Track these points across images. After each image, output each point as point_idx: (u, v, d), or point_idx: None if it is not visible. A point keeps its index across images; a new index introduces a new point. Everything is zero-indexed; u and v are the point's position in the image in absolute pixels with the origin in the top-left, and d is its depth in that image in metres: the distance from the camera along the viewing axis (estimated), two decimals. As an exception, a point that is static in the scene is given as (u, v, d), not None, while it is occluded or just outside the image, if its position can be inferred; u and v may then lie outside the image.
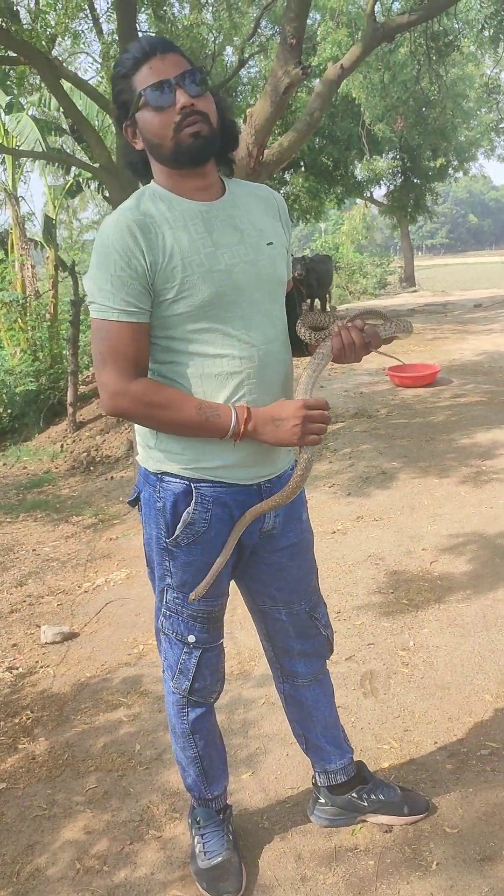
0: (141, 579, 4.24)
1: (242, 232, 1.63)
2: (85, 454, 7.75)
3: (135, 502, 1.82)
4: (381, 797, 2.07)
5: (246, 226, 1.64)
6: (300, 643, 1.97)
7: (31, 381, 10.00)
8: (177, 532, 1.70)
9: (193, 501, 1.67)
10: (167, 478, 1.69)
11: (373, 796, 2.07)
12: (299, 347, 1.79)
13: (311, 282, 11.92)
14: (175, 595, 1.78)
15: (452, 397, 7.64)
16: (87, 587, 4.32)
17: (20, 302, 12.07)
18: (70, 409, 8.70)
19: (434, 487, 4.94)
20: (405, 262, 27.29)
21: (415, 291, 23.93)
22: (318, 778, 2.12)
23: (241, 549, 1.78)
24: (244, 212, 1.66)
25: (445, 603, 3.37)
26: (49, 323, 12.02)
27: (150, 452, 1.72)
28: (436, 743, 2.42)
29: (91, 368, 11.74)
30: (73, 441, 8.31)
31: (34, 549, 5.17)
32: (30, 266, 12.96)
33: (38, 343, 11.26)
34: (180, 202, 1.60)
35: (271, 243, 1.67)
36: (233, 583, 1.92)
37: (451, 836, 2.03)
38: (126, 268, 1.52)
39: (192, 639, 1.81)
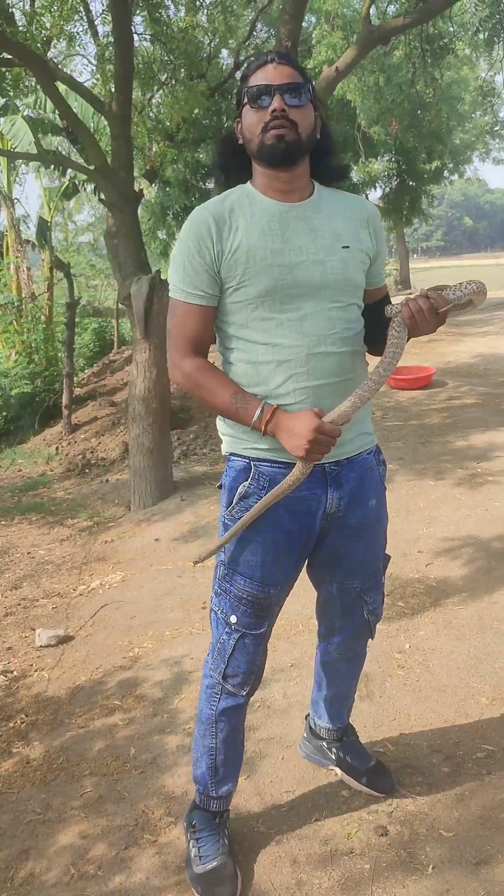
0: (136, 582, 4.23)
1: (317, 233, 1.73)
2: (80, 457, 7.73)
3: (222, 486, 1.94)
4: (348, 759, 2.27)
5: (323, 228, 1.74)
6: (342, 619, 2.06)
7: (27, 384, 9.98)
8: (233, 503, 1.81)
9: (251, 477, 1.79)
10: (233, 458, 1.84)
11: (340, 754, 2.29)
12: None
13: None
14: (225, 571, 1.87)
15: (448, 399, 7.65)
16: (82, 590, 4.31)
17: (15, 304, 12.05)
18: (65, 412, 8.68)
19: (429, 490, 4.95)
20: (401, 265, 27.31)
21: (410, 294, 23.95)
22: (309, 717, 2.38)
23: (307, 539, 1.86)
24: (325, 216, 1.76)
25: (441, 606, 3.37)
26: (44, 325, 12.00)
27: (222, 437, 1.89)
28: (431, 746, 2.42)
29: (86, 370, 11.76)
30: (69, 443, 8.29)
31: (29, 552, 5.15)
32: (25, 268, 12.93)
33: (33, 345, 11.23)
34: (263, 201, 1.74)
35: (347, 247, 1.75)
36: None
37: (447, 839, 2.03)
38: (196, 255, 1.71)
39: (233, 619, 1.86)
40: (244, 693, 1.93)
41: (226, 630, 1.88)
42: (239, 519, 1.79)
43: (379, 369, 1.68)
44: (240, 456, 1.82)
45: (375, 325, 1.82)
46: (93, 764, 2.57)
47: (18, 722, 2.92)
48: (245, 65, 1.78)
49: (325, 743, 2.33)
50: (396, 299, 1.85)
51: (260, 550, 1.81)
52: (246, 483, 1.79)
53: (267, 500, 1.74)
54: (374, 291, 1.89)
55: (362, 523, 1.91)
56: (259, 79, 1.69)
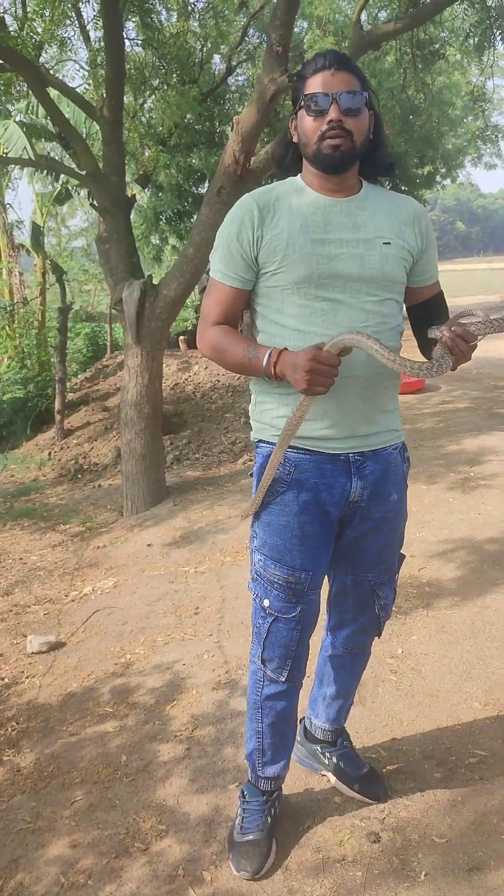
0: (128, 588, 4.22)
1: (359, 228, 1.77)
2: (72, 462, 7.70)
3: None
4: (341, 764, 2.26)
5: (365, 224, 1.78)
6: (353, 612, 2.07)
7: (19, 389, 9.96)
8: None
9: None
10: (261, 444, 1.91)
11: (333, 759, 2.28)
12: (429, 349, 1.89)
13: None
14: (259, 557, 1.91)
15: (440, 404, 7.66)
16: (74, 596, 4.29)
17: (7, 309, 12.02)
18: (58, 417, 8.65)
19: (422, 494, 4.94)
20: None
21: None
22: (305, 719, 2.36)
23: (330, 523, 1.88)
24: (369, 213, 1.80)
25: (434, 610, 3.37)
26: (37, 330, 11.98)
27: (253, 423, 1.95)
28: (424, 751, 2.41)
29: (79, 376, 11.74)
30: (61, 449, 8.26)
31: (21, 558, 5.13)
32: (17, 273, 12.91)
33: (25, 350, 11.21)
34: (310, 194, 1.79)
35: (388, 243, 1.78)
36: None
37: (440, 846, 2.02)
38: (235, 240, 1.78)
39: (266, 603, 1.91)
40: (283, 679, 1.96)
41: (261, 614, 1.93)
42: (267, 505, 1.87)
43: (408, 363, 1.66)
44: (267, 442, 1.89)
45: (423, 324, 1.86)
46: (84, 772, 2.55)
47: (9, 730, 2.90)
48: (303, 65, 1.80)
49: (318, 747, 2.33)
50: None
51: (288, 535, 1.85)
52: None
53: (281, 442, 1.78)
54: (424, 290, 1.94)
55: (383, 516, 1.94)
56: (317, 85, 1.72)
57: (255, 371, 1.77)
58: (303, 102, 1.75)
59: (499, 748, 2.39)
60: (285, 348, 1.72)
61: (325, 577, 2.04)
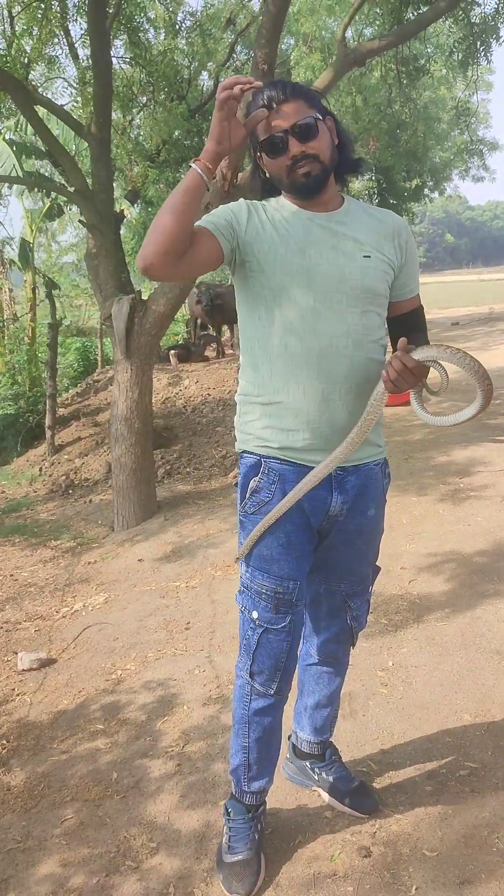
0: (119, 603, 4.21)
1: (339, 241, 1.80)
2: (64, 477, 7.69)
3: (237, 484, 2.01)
4: (331, 779, 2.25)
5: (346, 237, 1.81)
6: (326, 620, 2.10)
7: (10, 405, 9.94)
8: (245, 499, 1.89)
9: (261, 472, 1.87)
10: (246, 454, 1.92)
11: (323, 774, 2.27)
12: None
13: (213, 313, 11.64)
14: (246, 569, 1.93)
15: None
16: (65, 612, 4.27)
17: (-2, 325, 12.04)
18: (49, 433, 8.64)
19: (412, 506, 4.96)
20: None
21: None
22: (292, 735, 2.36)
23: (311, 533, 1.91)
24: (350, 227, 1.83)
25: (424, 622, 3.37)
26: (27, 346, 11.98)
27: (237, 434, 1.96)
28: (414, 764, 2.41)
29: (70, 391, 11.73)
30: (52, 464, 8.25)
31: (12, 575, 5.11)
32: (7, 290, 12.93)
33: (16, 366, 11.21)
34: (292, 208, 1.84)
35: (368, 256, 1.81)
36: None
37: (431, 860, 2.01)
38: (228, 214, 1.80)
39: (255, 615, 1.90)
40: (272, 692, 1.96)
41: (250, 626, 1.92)
42: (253, 515, 1.88)
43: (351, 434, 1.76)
44: (251, 453, 1.90)
45: (400, 337, 1.85)
46: (74, 790, 2.54)
47: (-1, 748, 2.89)
48: (247, 107, 1.79)
49: (308, 763, 2.32)
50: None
51: (274, 544, 1.87)
52: (257, 478, 1.87)
53: (332, 459, 1.77)
54: (403, 303, 1.96)
55: (359, 529, 1.96)
56: (266, 128, 1.74)
57: (194, 185, 1.66)
58: (260, 149, 1.79)
59: (489, 760, 2.40)
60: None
61: None
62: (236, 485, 2.00)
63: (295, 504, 1.83)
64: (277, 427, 1.84)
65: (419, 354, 1.69)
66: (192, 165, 1.68)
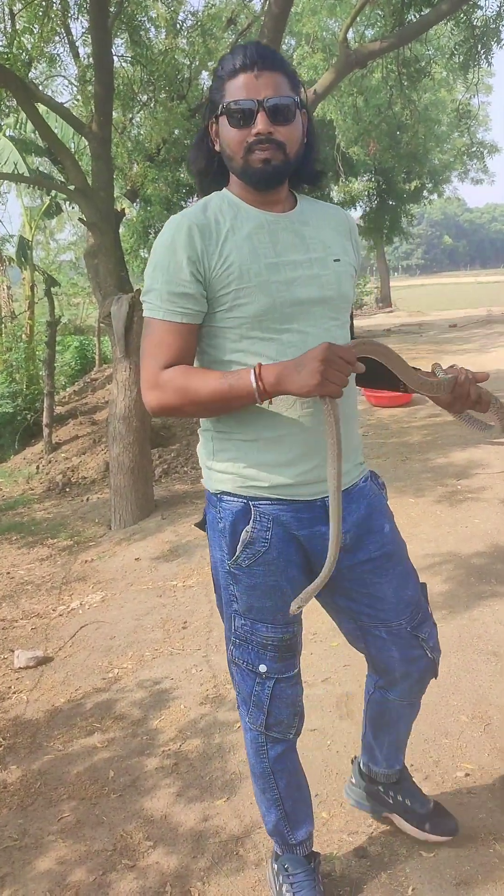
0: (116, 602, 4.21)
1: (308, 246, 1.61)
2: (61, 476, 7.68)
3: (202, 525, 1.79)
4: (407, 802, 2.05)
5: (313, 240, 1.62)
6: (404, 665, 1.82)
7: (8, 403, 9.93)
8: (237, 552, 1.65)
9: (252, 520, 1.63)
10: (226, 497, 1.66)
11: (398, 797, 2.06)
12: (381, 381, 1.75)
13: None
14: (243, 622, 1.71)
15: (428, 417, 7.70)
16: (61, 610, 4.27)
17: (-4, 323, 12.03)
18: (46, 431, 8.64)
19: (410, 507, 4.96)
20: (381, 283, 27.60)
21: (391, 312, 24.21)
22: (359, 760, 2.12)
23: (312, 570, 1.70)
24: (313, 227, 1.64)
25: (421, 623, 3.37)
26: (25, 344, 11.97)
27: (210, 473, 1.71)
28: (411, 765, 2.41)
29: (67, 389, 11.72)
30: (49, 462, 8.24)
31: (8, 573, 5.11)
32: (5, 287, 12.92)
33: (14, 364, 11.19)
34: (248, 210, 1.59)
35: (338, 260, 1.64)
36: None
37: (428, 861, 2.02)
38: (179, 270, 1.52)
39: (263, 668, 1.71)
40: (291, 735, 1.80)
41: (257, 681, 1.73)
42: (248, 568, 1.65)
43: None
44: (234, 495, 1.65)
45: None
46: (71, 788, 2.54)
47: (-4, 746, 2.88)
48: (220, 61, 1.55)
49: (381, 787, 2.08)
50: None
51: (277, 594, 1.66)
52: (248, 528, 1.63)
53: (335, 492, 1.50)
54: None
55: (384, 552, 1.74)
56: (238, 89, 1.49)
57: (239, 397, 1.48)
58: (223, 109, 1.52)
59: (486, 761, 2.40)
60: (259, 363, 1.49)
61: (355, 638, 1.88)
62: (200, 525, 1.79)
63: (294, 543, 1.65)
64: (266, 464, 1.61)
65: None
66: (252, 377, 1.45)
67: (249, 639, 1.71)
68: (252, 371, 1.46)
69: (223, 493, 1.67)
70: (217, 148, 1.61)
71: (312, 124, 1.65)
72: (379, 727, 1.99)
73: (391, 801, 2.07)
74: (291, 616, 1.68)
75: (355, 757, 2.15)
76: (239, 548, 1.64)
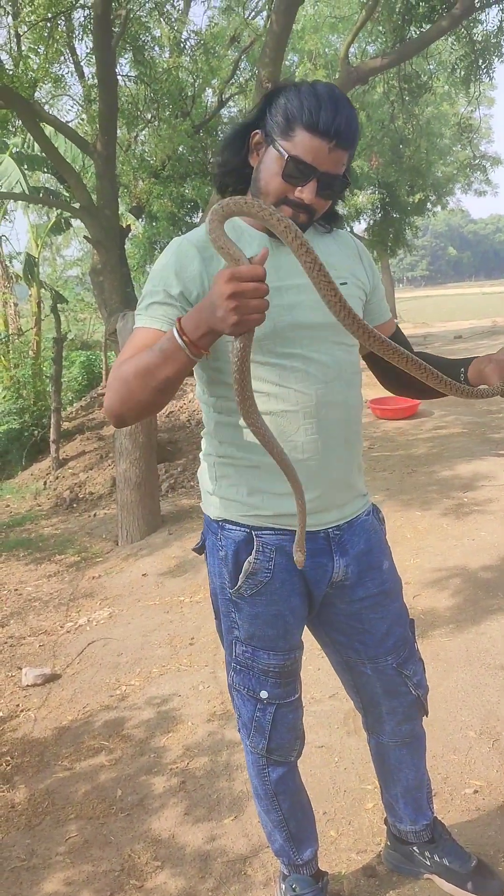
0: (123, 618, 4.21)
1: None
2: (68, 491, 7.70)
3: (200, 550, 1.78)
4: (446, 862, 1.96)
5: None
6: (388, 700, 1.82)
7: (15, 419, 9.97)
8: (239, 582, 1.63)
9: (255, 550, 1.61)
10: (228, 525, 1.64)
11: (436, 857, 1.97)
12: (409, 387, 1.74)
13: None
14: (244, 649, 1.70)
15: (433, 429, 7.70)
16: (69, 627, 4.27)
17: (2, 339, 12.09)
18: (53, 447, 8.67)
19: (416, 520, 4.96)
20: (386, 295, 27.63)
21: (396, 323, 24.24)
22: (389, 823, 2.06)
23: (311, 601, 1.70)
24: (320, 251, 1.55)
25: (429, 637, 3.36)
26: (32, 360, 12.02)
27: (211, 499, 1.69)
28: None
29: (74, 404, 11.76)
30: (57, 478, 8.26)
31: (16, 589, 5.12)
32: (13, 304, 13.00)
33: (21, 381, 11.24)
34: (252, 234, 1.57)
35: (345, 283, 1.61)
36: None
37: (436, 880, 2.00)
38: (169, 286, 1.49)
39: (264, 694, 1.70)
40: (292, 758, 1.80)
41: (258, 707, 1.72)
42: (251, 597, 1.63)
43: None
44: (237, 524, 1.63)
45: (391, 369, 1.69)
46: (78, 807, 2.53)
47: (3, 765, 2.88)
48: (304, 96, 1.44)
49: (415, 848, 2.01)
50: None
51: (280, 623, 1.66)
52: (251, 558, 1.61)
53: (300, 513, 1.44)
54: (385, 328, 1.78)
55: (382, 589, 1.74)
56: (306, 146, 1.43)
57: (173, 359, 1.35)
58: (283, 155, 1.45)
59: (495, 778, 2.39)
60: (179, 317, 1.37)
61: (342, 670, 1.87)
62: (198, 550, 1.78)
63: (297, 572, 1.63)
64: (270, 491, 1.58)
65: None
66: (175, 331, 1.33)
67: (251, 666, 1.70)
68: (174, 327, 1.34)
69: (225, 520, 1.65)
70: (252, 161, 1.56)
71: (347, 181, 1.58)
72: (386, 777, 1.97)
73: (428, 862, 1.99)
74: (293, 642, 1.69)
75: (386, 818, 2.09)
76: (241, 577, 1.62)
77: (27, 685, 3.55)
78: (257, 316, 1.23)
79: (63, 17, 6.66)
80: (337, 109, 1.43)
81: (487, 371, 1.56)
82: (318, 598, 1.70)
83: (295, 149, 1.44)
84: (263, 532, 1.61)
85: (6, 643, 4.19)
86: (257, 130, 1.53)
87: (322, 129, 1.42)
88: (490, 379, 1.55)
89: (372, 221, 19.41)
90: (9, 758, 2.92)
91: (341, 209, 1.72)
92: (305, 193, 1.46)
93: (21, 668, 3.73)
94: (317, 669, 3.06)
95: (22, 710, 3.32)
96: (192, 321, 1.31)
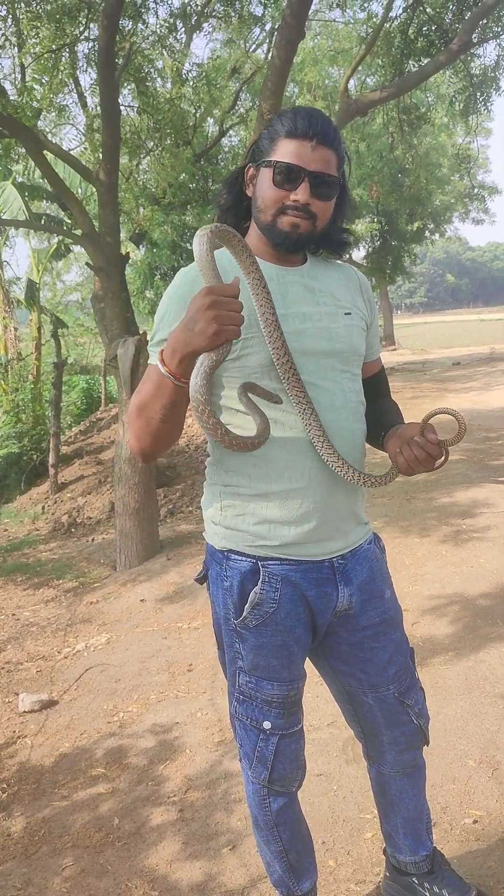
0: (121, 644, 4.19)
1: (318, 300, 1.62)
2: (66, 516, 7.70)
3: (203, 580, 1.77)
4: (445, 893, 1.91)
5: (323, 294, 1.63)
6: (389, 730, 1.81)
7: (14, 444, 10.00)
8: (244, 613, 1.62)
9: (261, 580, 1.61)
10: (233, 556, 1.64)
11: (435, 888, 1.93)
12: (376, 437, 1.75)
13: None
14: (248, 679, 1.68)
15: (432, 455, 7.70)
16: (66, 653, 4.26)
17: (2, 364, 12.15)
18: (52, 471, 8.68)
19: (415, 547, 4.96)
20: (385, 321, 27.78)
21: (395, 350, 24.38)
22: (389, 856, 2.03)
23: (315, 629, 1.70)
24: (323, 282, 1.65)
25: (428, 665, 3.35)
26: (32, 385, 12.08)
27: (216, 529, 1.68)
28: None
29: (73, 428, 11.80)
30: (55, 503, 8.27)
31: (14, 614, 5.10)
32: (13, 328, 13.08)
33: (20, 405, 11.29)
34: (258, 263, 1.55)
35: (349, 313, 1.65)
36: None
37: (436, 911, 1.98)
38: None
39: (267, 725, 1.68)
40: (294, 788, 1.78)
41: (261, 737, 1.70)
42: (256, 628, 1.62)
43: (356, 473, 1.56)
44: (242, 554, 1.63)
45: (372, 407, 1.74)
46: (75, 836, 2.51)
47: (0, 792, 2.86)
48: (280, 115, 1.55)
49: (414, 879, 1.96)
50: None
51: (284, 653, 1.65)
52: (257, 589, 1.60)
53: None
54: (373, 364, 1.80)
55: (384, 618, 1.74)
56: (290, 152, 1.51)
57: (164, 387, 1.42)
58: (271, 164, 1.53)
59: (494, 807, 2.37)
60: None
61: (343, 699, 1.87)
62: (200, 580, 1.77)
63: (302, 602, 1.64)
64: (277, 521, 1.59)
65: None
66: (158, 361, 1.40)
67: (254, 696, 1.69)
68: (156, 359, 1.42)
69: (230, 550, 1.65)
70: (249, 192, 1.63)
71: (345, 198, 1.66)
72: (386, 807, 1.94)
73: (427, 894, 1.95)
74: (296, 673, 1.69)
75: (385, 848, 2.05)
76: (247, 608, 1.62)
77: (24, 711, 3.53)
78: (234, 328, 1.30)
79: (67, 49, 6.79)
80: (312, 115, 1.53)
81: (388, 447, 1.64)
82: (322, 627, 1.69)
83: (280, 156, 1.52)
84: (269, 562, 1.61)
85: (3, 668, 4.17)
86: (250, 165, 1.62)
87: (300, 131, 1.51)
88: (390, 452, 1.62)
89: (371, 249, 19.62)
90: (5, 785, 2.90)
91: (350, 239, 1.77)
92: (300, 194, 1.52)
93: (18, 694, 3.71)
94: (315, 697, 3.04)
95: (19, 737, 3.30)
96: (169, 349, 1.37)
